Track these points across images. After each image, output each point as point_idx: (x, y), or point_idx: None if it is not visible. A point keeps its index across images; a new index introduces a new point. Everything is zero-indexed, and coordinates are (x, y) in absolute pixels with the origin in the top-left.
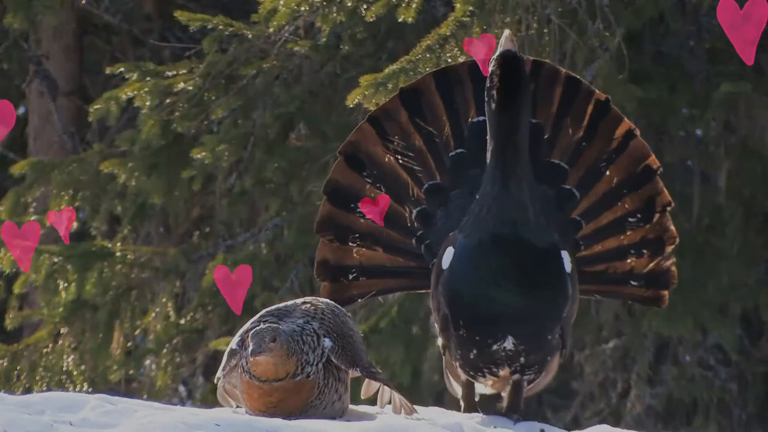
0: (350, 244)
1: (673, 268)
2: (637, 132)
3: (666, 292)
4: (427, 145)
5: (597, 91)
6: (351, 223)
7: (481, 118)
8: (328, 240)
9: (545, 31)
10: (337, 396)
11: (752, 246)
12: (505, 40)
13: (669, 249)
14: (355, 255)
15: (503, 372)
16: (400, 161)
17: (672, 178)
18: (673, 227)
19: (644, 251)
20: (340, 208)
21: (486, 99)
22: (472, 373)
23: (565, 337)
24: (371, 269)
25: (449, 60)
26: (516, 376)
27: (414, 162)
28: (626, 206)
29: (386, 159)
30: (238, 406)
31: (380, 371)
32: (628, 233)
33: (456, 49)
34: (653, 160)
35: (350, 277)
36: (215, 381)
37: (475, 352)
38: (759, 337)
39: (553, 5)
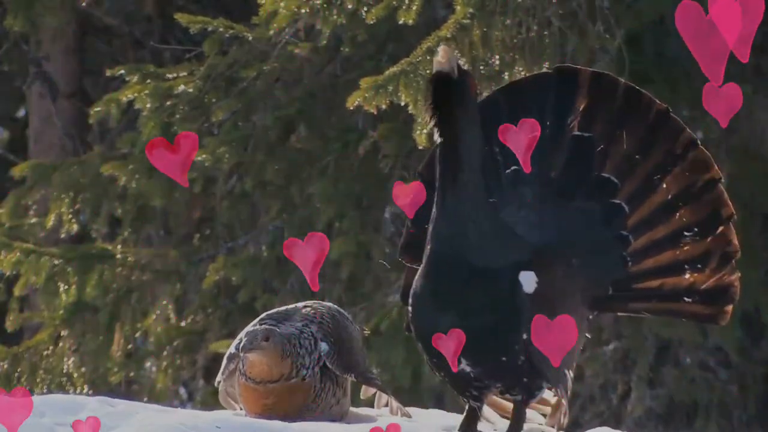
0: None
1: (737, 283)
2: (698, 142)
3: (728, 308)
4: None
5: (657, 101)
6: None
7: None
8: (409, 263)
9: (545, 33)
10: (335, 400)
11: (753, 247)
12: (435, 59)
13: (731, 263)
14: None
15: (489, 393)
16: None
17: None
18: (735, 240)
19: (703, 265)
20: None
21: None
22: (459, 394)
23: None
24: None
25: None
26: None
27: None
28: (683, 219)
29: None
30: (241, 409)
31: (377, 377)
32: (684, 247)
33: (456, 51)
34: (716, 171)
35: None
36: (216, 384)
37: (447, 379)
38: (759, 338)
39: (554, 7)
